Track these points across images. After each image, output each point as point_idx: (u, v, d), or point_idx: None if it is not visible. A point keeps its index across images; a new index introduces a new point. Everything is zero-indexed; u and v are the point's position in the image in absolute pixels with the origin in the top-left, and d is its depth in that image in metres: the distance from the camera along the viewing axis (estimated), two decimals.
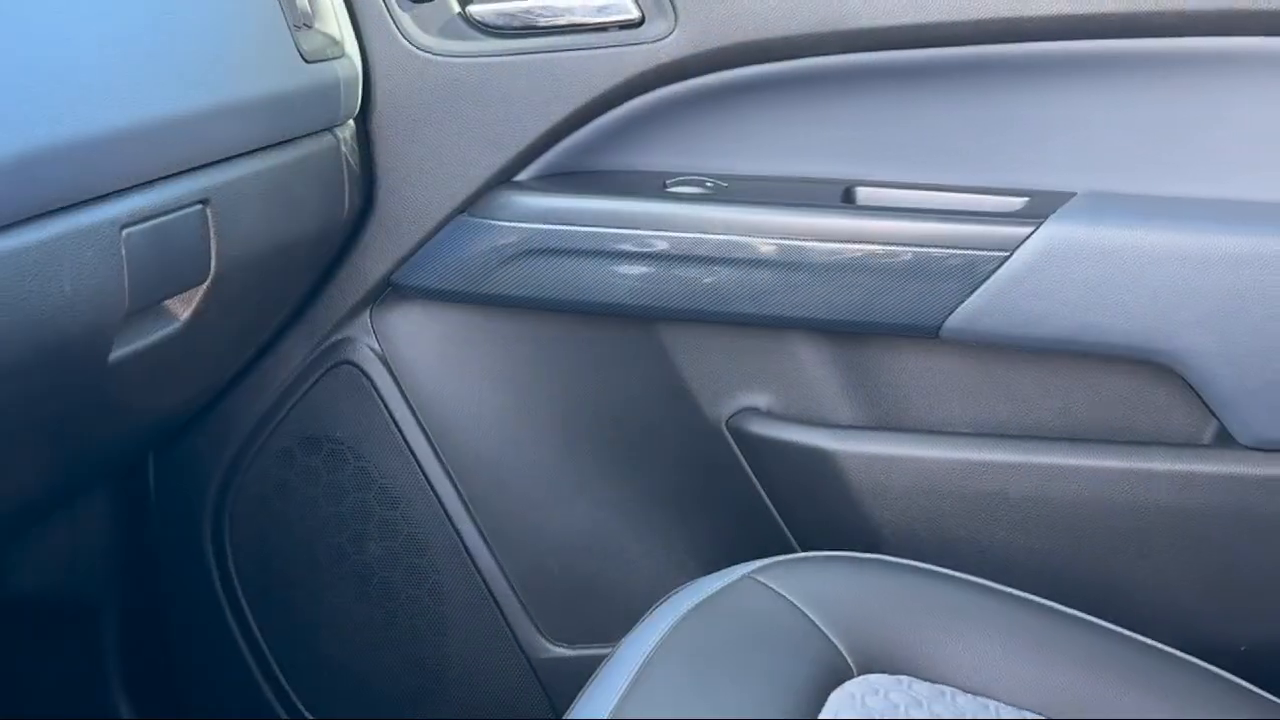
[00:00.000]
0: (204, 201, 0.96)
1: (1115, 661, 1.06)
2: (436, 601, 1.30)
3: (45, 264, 0.80)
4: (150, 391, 1.03)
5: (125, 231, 0.87)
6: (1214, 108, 1.12)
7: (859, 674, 1.00)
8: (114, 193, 0.87)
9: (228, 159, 1.00)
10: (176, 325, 0.98)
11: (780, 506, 1.26)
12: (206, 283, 0.99)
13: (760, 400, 1.26)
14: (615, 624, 1.12)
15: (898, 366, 1.21)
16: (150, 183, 0.90)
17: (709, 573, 1.07)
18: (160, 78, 0.92)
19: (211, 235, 0.97)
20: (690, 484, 1.29)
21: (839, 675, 0.99)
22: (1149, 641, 1.05)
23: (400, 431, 1.26)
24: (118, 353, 0.91)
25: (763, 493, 1.26)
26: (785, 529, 1.26)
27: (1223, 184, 1.12)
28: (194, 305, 0.99)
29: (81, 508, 1.26)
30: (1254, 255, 1.07)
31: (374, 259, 1.23)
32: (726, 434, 1.26)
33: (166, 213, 0.92)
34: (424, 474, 1.27)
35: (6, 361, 0.80)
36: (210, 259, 0.98)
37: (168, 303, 0.97)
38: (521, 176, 1.21)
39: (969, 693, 1.00)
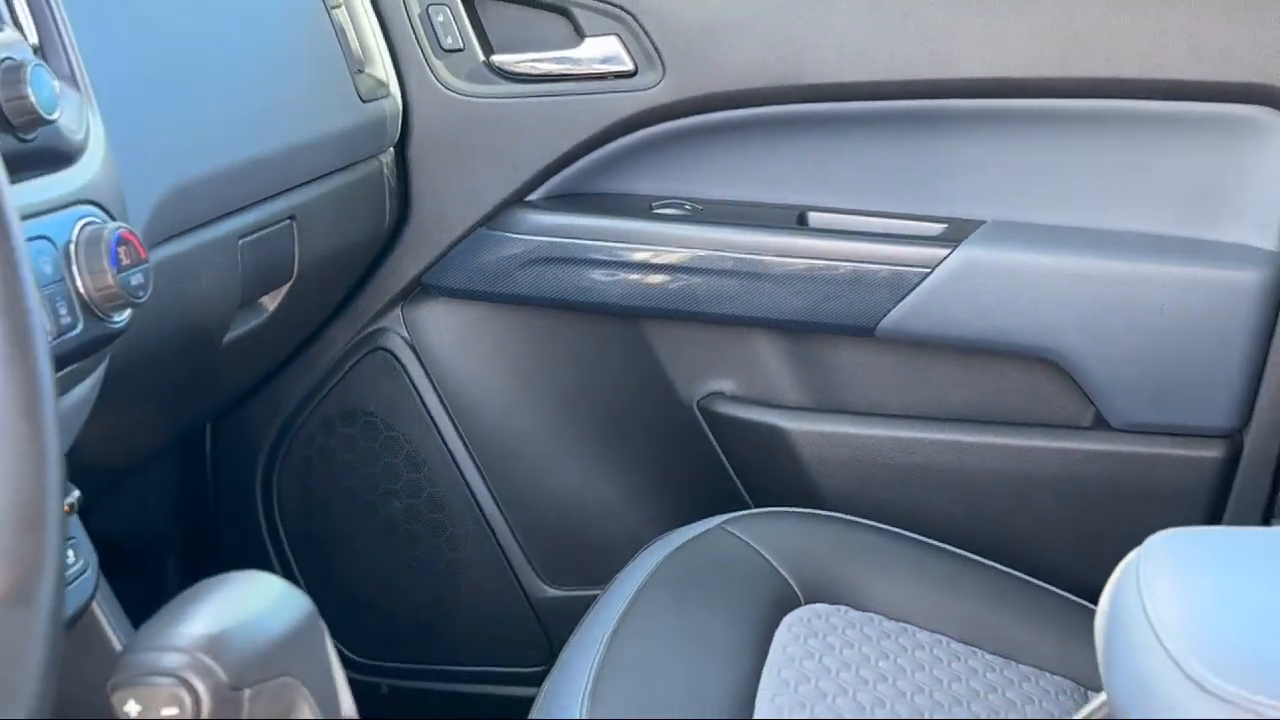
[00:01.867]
0: (292, 217, 1.19)
1: (1008, 596, 1.31)
2: (451, 549, 1.52)
3: (191, 266, 1.03)
4: (242, 367, 1.25)
5: (241, 241, 1.11)
6: (1088, 154, 1.36)
7: (805, 603, 1.24)
8: (234, 212, 1.10)
9: (307, 182, 1.23)
10: (266, 315, 1.21)
11: (740, 473, 1.50)
12: (290, 282, 1.22)
13: (725, 385, 1.50)
14: (602, 569, 1.34)
15: (840, 359, 1.45)
16: (258, 203, 1.13)
17: (680, 526, 1.31)
18: (265, 124, 1.15)
19: (296, 244, 1.20)
20: (666, 453, 1.53)
21: (790, 603, 1.23)
22: (1034, 580, 1.30)
23: (425, 407, 1.49)
24: (228, 336, 1.14)
25: (725, 461, 1.50)
26: (744, 491, 1.50)
27: (1096, 216, 1.37)
28: (279, 299, 1.22)
29: (154, 464, 1.47)
30: (1119, 273, 1.33)
31: (407, 262, 1.45)
32: (697, 413, 1.51)
33: (267, 226, 1.15)
34: (444, 442, 1.49)
35: (155, 343, 1.02)
36: (294, 262, 1.21)
37: (263, 298, 1.20)
38: (533, 197, 1.44)
39: (892, 619, 1.25)
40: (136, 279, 0.79)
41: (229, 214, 1.09)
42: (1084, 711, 0.81)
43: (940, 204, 1.40)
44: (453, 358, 1.48)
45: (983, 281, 1.35)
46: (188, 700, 0.60)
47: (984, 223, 1.38)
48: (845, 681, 1.12)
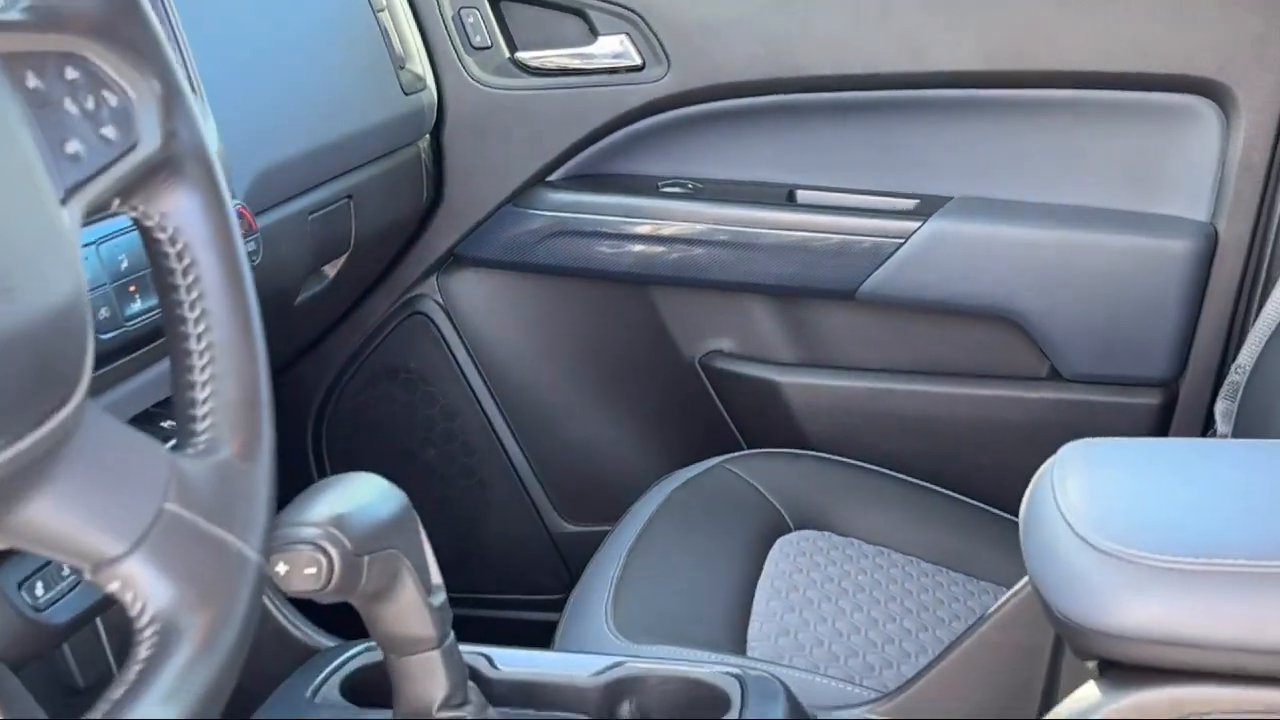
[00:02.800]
0: (350, 196, 1.37)
1: (971, 523, 1.49)
2: (481, 490, 1.70)
3: (273, 238, 1.21)
4: (307, 327, 1.43)
5: (310, 217, 1.29)
6: (1043, 138, 1.54)
7: (795, 529, 1.42)
8: (304, 192, 1.28)
9: (360, 166, 1.41)
10: (327, 281, 1.39)
11: (736, 420, 1.69)
12: (347, 253, 1.40)
13: (724, 344, 1.68)
14: (614, 507, 1.51)
15: (824, 320, 1.63)
16: (323, 183, 1.31)
17: (684, 466, 1.49)
18: (327, 116, 1.33)
19: (353, 219, 1.38)
20: (671, 404, 1.71)
21: (781, 529, 1.41)
22: (993, 510, 1.49)
23: (457, 365, 1.67)
24: (299, 299, 1.32)
25: (724, 410, 1.69)
26: (739, 436, 1.68)
27: (1049, 192, 1.54)
28: (338, 268, 1.40)
29: None
30: (1070, 242, 1.51)
31: (441, 236, 1.63)
32: (698, 368, 1.69)
33: (330, 204, 1.33)
34: (474, 396, 1.67)
35: None
36: (352, 235, 1.39)
37: (325, 266, 1.38)
38: (553, 178, 1.62)
39: (870, 543, 1.43)
40: (250, 246, 0.97)
41: (300, 193, 1.26)
42: (1013, 589, 0.99)
43: (913, 182, 1.58)
44: (482, 321, 1.66)
45: (950, 250, 1.54)
46: (324, 563, 0.79)
47: (951, 199, 1.56)
48: (828, 591, 1.31)
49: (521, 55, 1.60)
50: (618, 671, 1.01)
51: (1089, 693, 0.77)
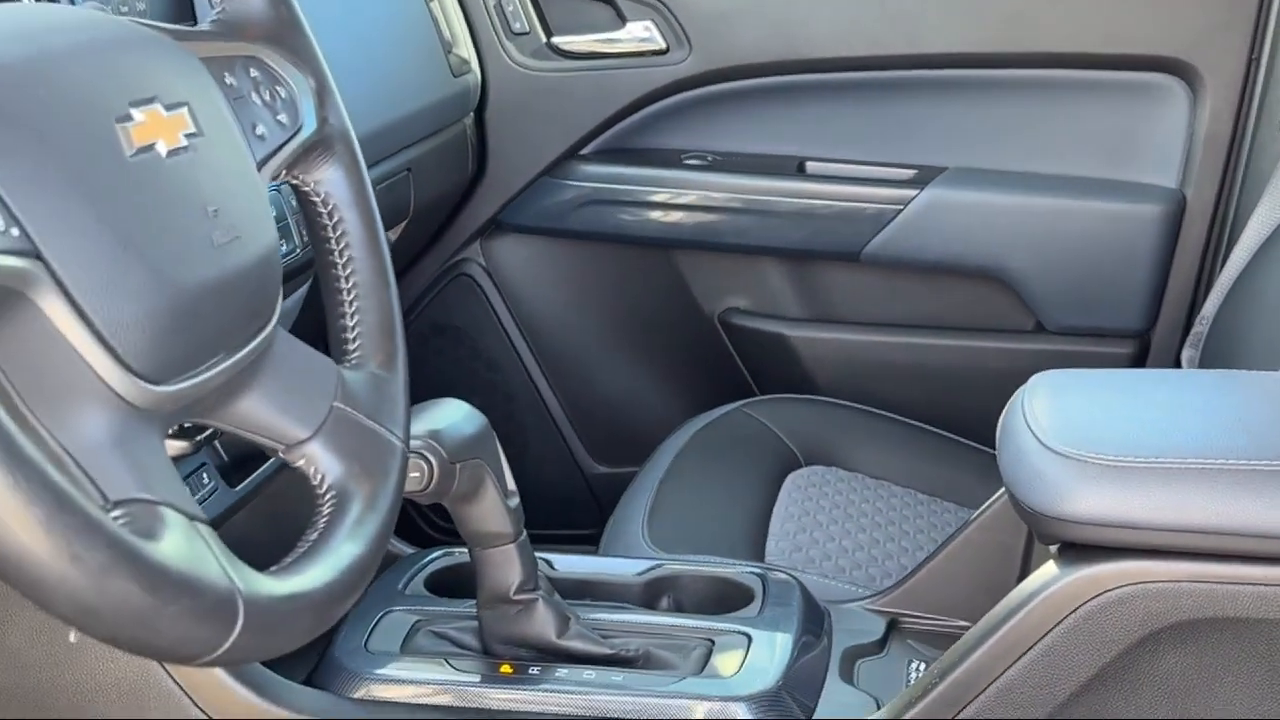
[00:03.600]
0: (409, 169, 1.54)
1: (963, 459, 1.66)
2: (520, 435, 1.88)
3: None
4: None
5: (378, 188, 1.45)
6: (1029, 113, 1.70)
7: (805, 465, 1.59)
8: (373, 164, 1.45)
9: (417, 141, 1.58)
10: (391, 242, 1.56)
11: (751, 370, 1.86)
12: (406, 220, 1.57)
13: (740, 301, 1.86)
14: (641, 450, 1.66)
15: (831, 279, 1.80)
16: (387, 157, 1.48)
17: (704, 412, 1.66)
18: (389, 97, 1.50)
19: (412, 189, 1.55)
20: (692, 356, 1.88)
21: (793, 465, 1.58)
22: (984, 448, 1.66)
23: (499, 322, 1.84)
24: None
25: (740, 361, 1.86)
26: (754, 384, 1.86)
27: (1035, 162, 1.71)
28: (398, 233, 1.57)
29: None
30: (1053, 208, 1.68)
31: (484, 205, 1.80)
32: (717, 324, 1.86)
33: (393, 176, 1.50)
34: (515, 350, 1.84)
35: None
36: (410, 204, 1.56)
37: (388, 232, 1.55)
38: (585, 151, 1.79)
39: (873, 477, 1.61)
40: None
41: (370, 167, 1.43)
42: (993, 498, 1.17)
43: (910, 154, 1.75)
44: (522, 282, 1.83)
45: (945, 216, 1.71)
46: (425, 469, 0.96)
47: (946, 169, 1.73)
48: (835, 516, 1.49)
49: (556, 40, 1.76)
50: (657, 572, 1.19)
51: (1048, 569, 0.94)
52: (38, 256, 0.56)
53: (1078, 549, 0.93)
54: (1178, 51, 1.64)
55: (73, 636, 0.84)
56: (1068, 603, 0.92)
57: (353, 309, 0.79)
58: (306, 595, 0.64)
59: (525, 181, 1.78)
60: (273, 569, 0.64)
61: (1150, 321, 1.71)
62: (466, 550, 1.09)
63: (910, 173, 1.74)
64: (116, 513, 0.56)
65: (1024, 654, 0.93)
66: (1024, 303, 1.73)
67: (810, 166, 1.77)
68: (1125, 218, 1.68)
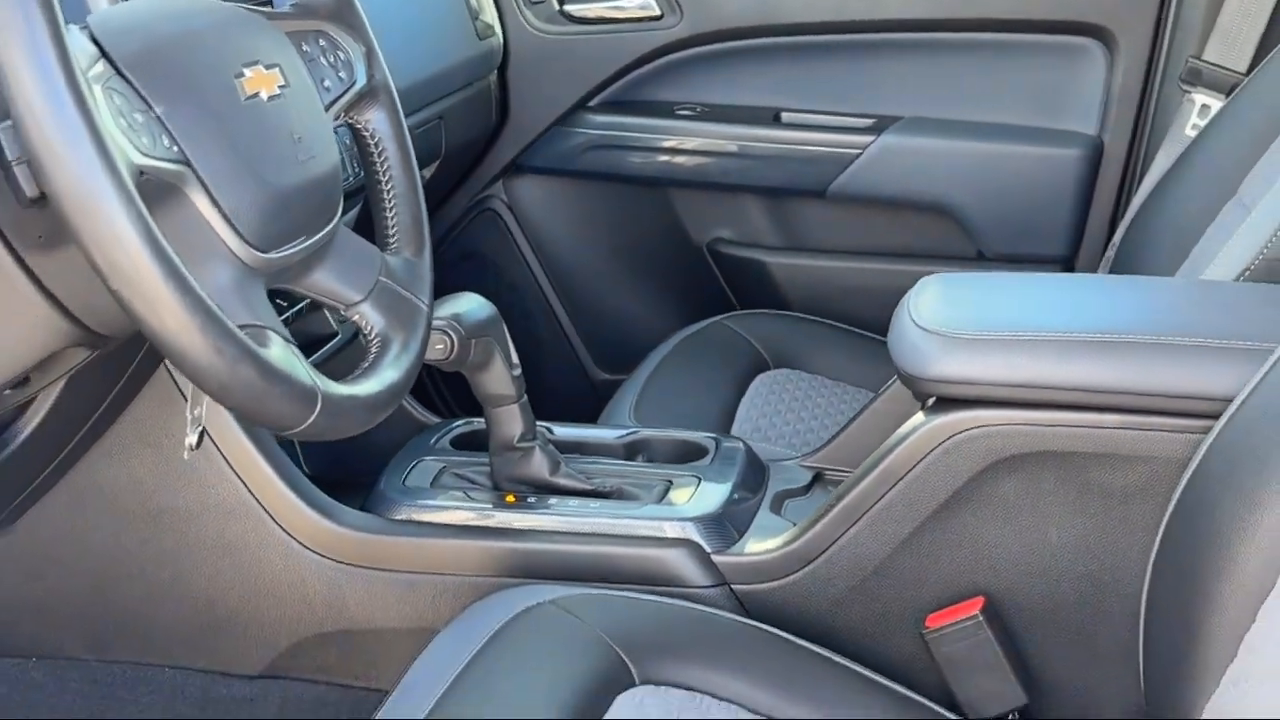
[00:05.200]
0: (441, 117, 1.84)
1: None
2: (535, 347, 2.17)
3: None
4: None
5: (415, 132, 1.76)
6: (970, 71, 1.99)
7: (774, 368, 1.88)
8: (411, 113, 1.75)
9: (448, 94, 1.88)
10: (425, 180, 1.87)
11: (733, 290, 2.16)
12: (439, 160, 1.87)
13: (725, 232, 2.15)
14: (638, 359, 1.94)
15: (802, 213, 2.10)
16: (423, 107, 1.78)
17: (693, 321, 1.96)
18: (424, 56, 1.80)
19: (443, 135, 1.86)
20: (683, 279, 2.18)
21: (763, 367, 1.85)
22: None
23: (519, 250, 2.14)
24: None
25: (723, 283, 2.16)
26: (735, 301, 2.16)
27: (975, 112, 1.99)
28: (431, 171, 1.88)
29: None
30: (990, 151, 1.97)
31: (506, 150, 2.10)
32: (705, 252, 2.16)
33: (428, 123, 1.80)
34: (532, 274, 2.15)
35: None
36: (442, 147, 1.86)
37: (424, 170, 1.85)
38: (592, 104, 2.08)
39: (832, 379, 1.89)
40: None
41: (407, 115, 1.73)
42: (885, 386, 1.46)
43: (870, 105, 2.04)
44: (538, 216, 2.14)
45: (899, 158, 2.00)
46: (448, 342, 1.27)
47: (900, 118, 2.01)
48: (793, 406, 1.78)
49: (568, 7, 2.06)
50: (633, 436, 1.50)
51: (917, 419, 1.23)
52: (188, 164, 0.87)
53: (941, 403, 1.23)
54: (1097, 18, 1.93)
55: (185, 454, 1.15)
56: (930, 443, 1.22)
57: (391, 212, 1.10)
58: (360, 398, 0.95)
59: (541, 129, 2.08)
60: (339, 381, 0.95)
61: (1074, 249, 1.99)
62: (480, 420, 1.40)
63: (869, 121, 2.02)
64: (241, 330, 0.86)
65: (897, 482, 1.24)
66: (966, 233, 2.02)
67: (785, 116, 2.06)
68: (1052, 160, 1.96)
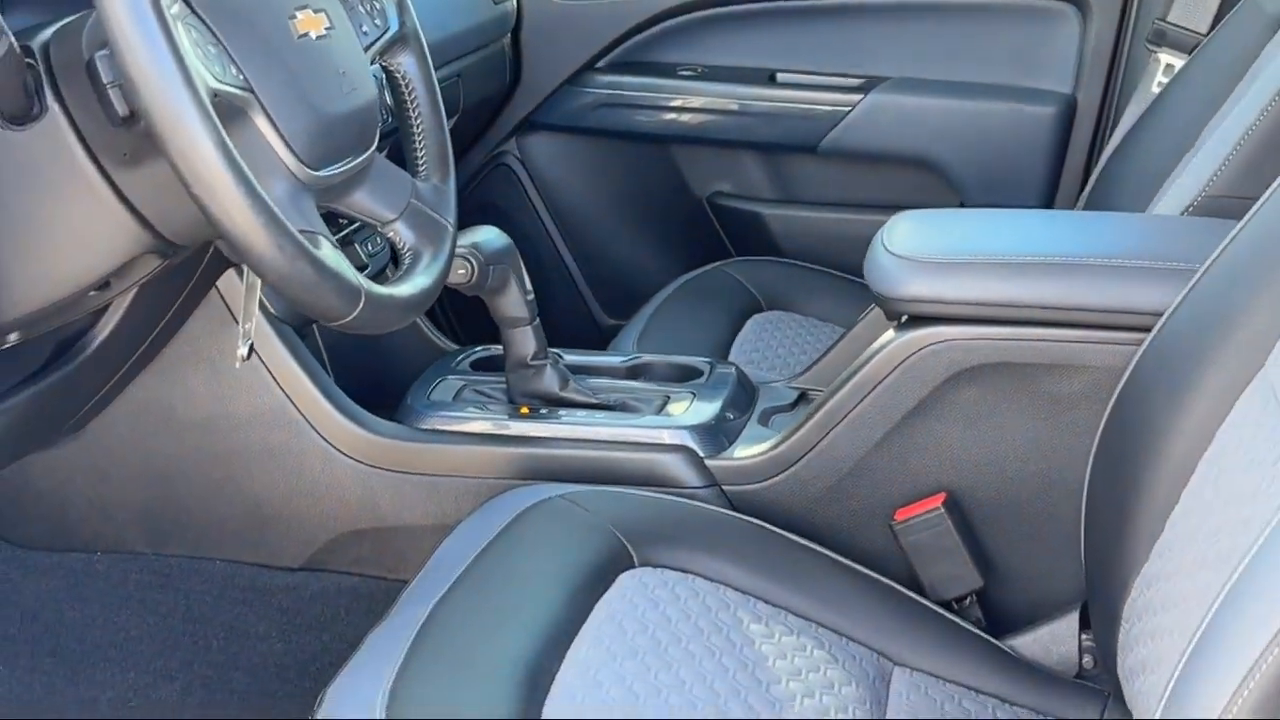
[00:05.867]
0: (459, 76, 1.99)
1: None
2: (546, 295, 2.28)
3: None
4: None
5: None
6: (953, 34, 2.14)
7: (766, 309, 2.04)
8: (439, 66, 1.90)
9: (465, 55, 2.02)
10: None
11: (731, 240, 2.31)
12: (457, 116, 2.02)
13: (724, 186, 2.30)
14: (642, 305, 2.12)
15: (796, 167, 2.25)
16: (442, 65, 1.92)
17: (694, 266, 2.11)
18: (444, 19, 1.94)
19: (461, 92, 2.00)
20: (684, 229, 2.33)
21: (757, 309, 2.02)
22: None
23: (531, 202, 2.29)
24: None
25: (722, 233, 2.31)
26: (732, 251, 2.30)
27: (957, 72, 2.14)
28: (450, 125, 2.02)
29: None
30: (971, 108, 2.12)
31: (519, 108, 2.24)
32: (705, 204, 2.31)
33: (447, 80, 1.94)
34: (543, 225, 2.29)
35: None
36: (460, 104, 2.01)
37: None
38: (599, 65, 2.23)
39: (821, 320, 2.04)
40: None
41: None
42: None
43: (859, 66, 2.19)
44: (549, 170, 2.29)
45: (886, 115, 2.14)
46: (470, 267, 1.42)
47: (888, 78, 2.16)
48: (784, 341, 1.93)
49: None
50: (636, 360, 1.65)
51: (888, 336, 1.38)
52: (252, 91, 1.02)
53: (909, 321, 1.38)
54: None
55: (237, 365, 1.30)
56: (899, 356, 1.37)
57: (420, 144, 1.25)
58: (398, 298, 1.10)
59: (552, 89, 2.23)
60: (379, 284, 1.10)
61: (1049, 199, 2.14)
62: (494, 346, 1.55)
63: (858, 81, 2.17)
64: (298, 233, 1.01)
65: (870, 392, 1.38)
66: (949, 185, 2.16)
67: (779, 76, 2.21)
68: (1029, 116, 2.11)
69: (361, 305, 1.04)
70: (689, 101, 2.21)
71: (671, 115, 2.22)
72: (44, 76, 1.01)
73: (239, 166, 0.94)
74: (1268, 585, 0.85)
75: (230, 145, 0.94)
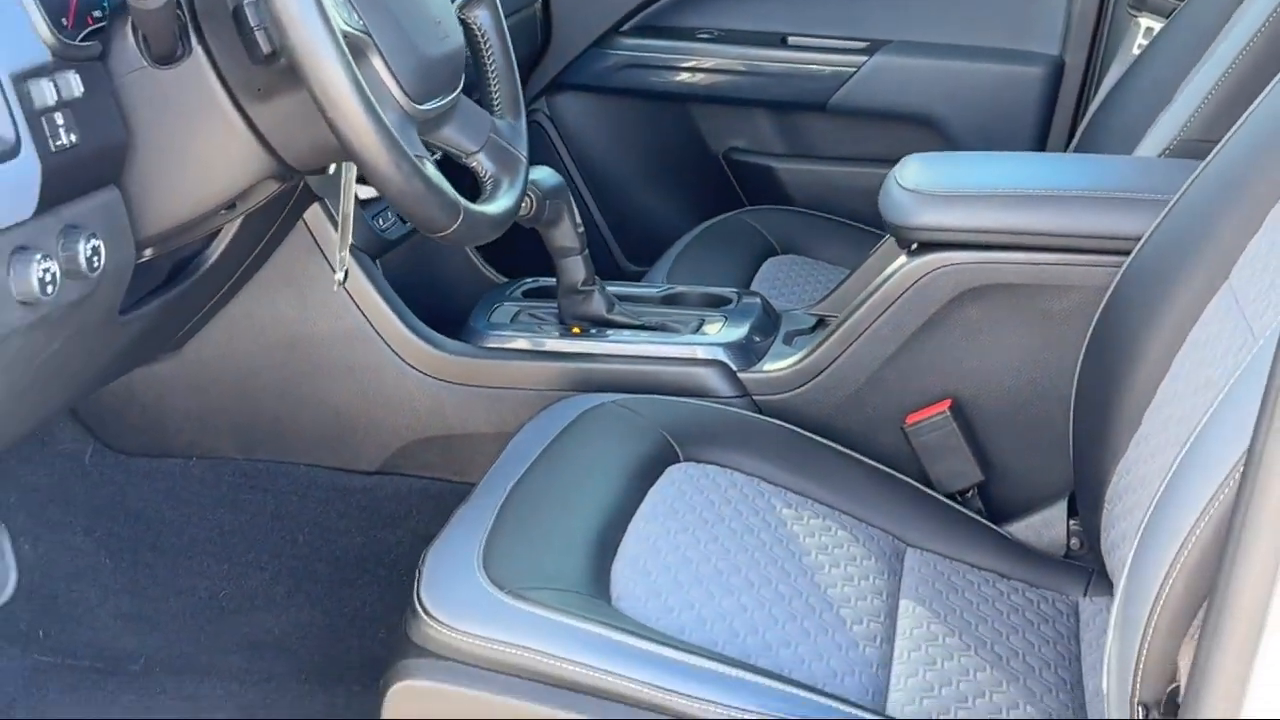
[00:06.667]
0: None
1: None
2: None
3: None
4: None
5: None
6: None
7: (781, 254, 2.22)
8: None
9: None
10: None
11: (744, 191, 2.49)
12: None
13: (739, 142, 2.48)
14: (663, 253, 2.32)
15: (806, 124, 2.43)
16: None
17: (711, 217, 2.29)
18: None
19: None
20: (702, 182, 2.51)
21: (771, 253, 2.20)
22: None
23: (560, 158, 2.46)
24: None
25: (737, 187, 2.49)
26: (745, 200, 2.49)
27: (950, 36, 2.32)
28: None
29: None
30: (963, 68, 2.30)
31: (549, 69, 2.42)
32: (721, 159, 2.49)
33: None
34: (571, 179, 2.46)
35: None
36: None
37: None
38: (624, 28, 2.41)
39: (831, 264, 2.23)
40: None
41: None
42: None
43: (864, 30, 2.38)
44: (577, 127, 2.46)
45: (888, 75, 2.33)
46: (529, 201, 1.60)
47: (890, 41, 2.35)
48: (794, 283, 2.12)
49: None
50: (670, 290, 1.83)
51: (901, 261, 1.57)
52: (369, 34, 1.20)
53: (919, 248, 1.56)
54: None
55: (335, 287, 1.48)
56: (910, 279, 1.56)
57: (495, 87, 1.43)
58: (488, 215, 1.28)
59: (579, 51, 2.41)
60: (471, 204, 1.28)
61: (1039, 151, 2.32)
62: (543, 279, 1.74)
63: (863, 44, 2.36)
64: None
65: (884, 311, 1.57)
66: (946, 140, 2.34)
67: (790, 39, 2.40)
68: (1020, 76, 2.30)
69: (460, 220, 1.22)
70: (706, 63, 2.39)
71: (690, 76, 2.40)
72: (189, 23, 1.19)
73: (367, 96, 1.12)
74: (1207, 459, 0.98)
75: (360, 77, 1.11)
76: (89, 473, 1.69)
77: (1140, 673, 0.97)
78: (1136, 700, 0.98)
